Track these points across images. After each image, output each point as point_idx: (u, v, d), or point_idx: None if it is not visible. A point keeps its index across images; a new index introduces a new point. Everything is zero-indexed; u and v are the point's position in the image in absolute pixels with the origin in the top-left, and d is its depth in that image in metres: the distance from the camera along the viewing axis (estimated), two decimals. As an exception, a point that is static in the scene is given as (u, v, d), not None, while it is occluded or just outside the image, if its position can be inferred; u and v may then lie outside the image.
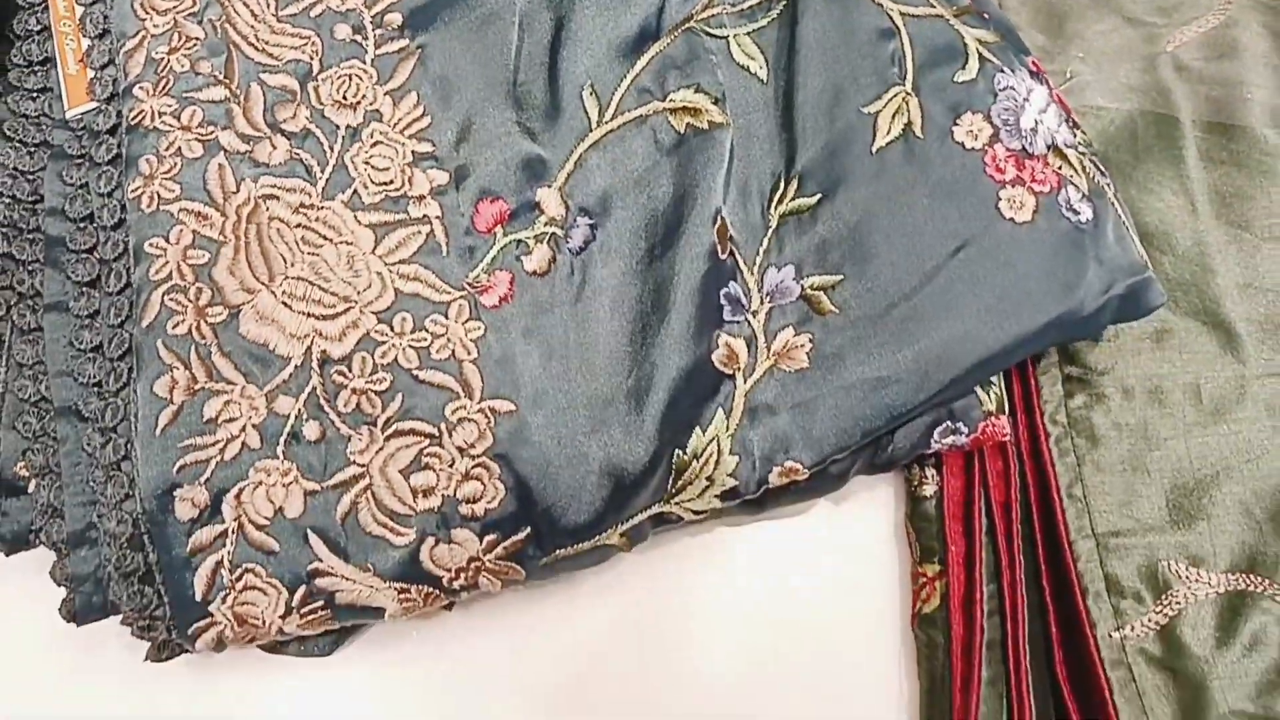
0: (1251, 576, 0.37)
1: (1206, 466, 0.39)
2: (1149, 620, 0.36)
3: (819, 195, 0.38)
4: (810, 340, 0.37)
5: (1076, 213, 0.36)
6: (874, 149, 0.37)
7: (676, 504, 0.36)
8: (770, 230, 0.38)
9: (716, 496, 0.36)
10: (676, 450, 0.36)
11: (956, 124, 0.37)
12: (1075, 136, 0.38)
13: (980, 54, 0.38)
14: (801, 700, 0.39)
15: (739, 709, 0.39)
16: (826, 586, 0.41)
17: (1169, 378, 0.40)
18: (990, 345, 0.35)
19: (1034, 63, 0.39)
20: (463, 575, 0.35)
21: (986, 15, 0.39)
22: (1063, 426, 0.39)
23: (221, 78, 0.38)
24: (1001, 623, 0.38)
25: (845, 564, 0.41)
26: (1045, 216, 0.36)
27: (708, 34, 0.39)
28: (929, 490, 0.41)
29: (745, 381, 0.37)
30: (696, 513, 0.37)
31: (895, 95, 0.37)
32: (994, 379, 0.38)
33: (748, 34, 0.40)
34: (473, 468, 0.35)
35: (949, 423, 0.37)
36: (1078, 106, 0.42)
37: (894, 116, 0.37)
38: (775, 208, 0.38)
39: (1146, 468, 0.38)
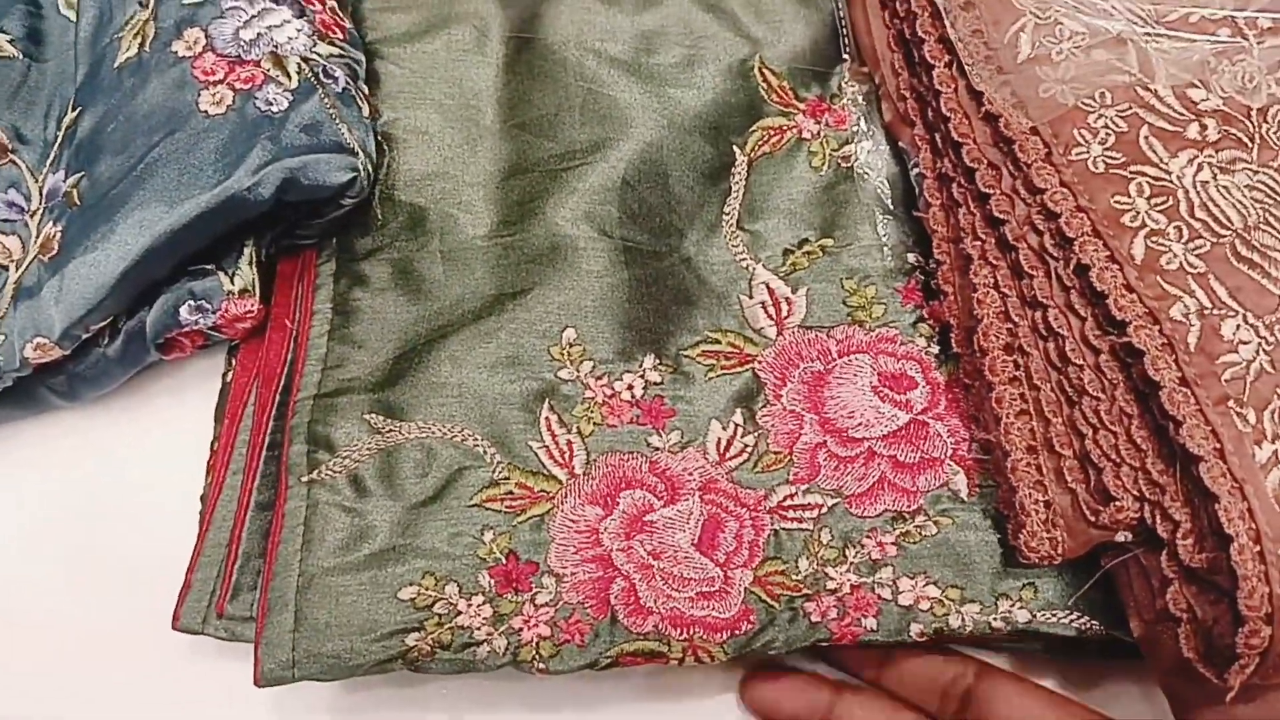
0: (445, 426, 0.40)
1: (433, 332, 0.42)
2: (336, 466, 0.39)
3: (80, 110, 0.43)
4: (62, 230, 0.42)
5: (271, 104, 0.40)
6: (115, 65, 0.42)
7: (-51, 385, 0.41)
8: (56, 144, 0.44)
9: (-15, 376, 0.41)
10: None
11: (178, 38, 0.42)
12: (314, 48, 0.43)
13: (221, -19, 0.43)
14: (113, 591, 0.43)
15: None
16: (155, 478, 0.45)
17: (415, 257, 0.43)
18: (170, 222, 0.39)
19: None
20: None
21: None
22: (329, 306, 0.43)
23: None
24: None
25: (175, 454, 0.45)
26: (237, 109, 0.40)
27: None
28: (230, 376, 0.45)
29: (16, 272, 0.42)
30: (-27, 387, 0.42)
31: (137, 20, 0.43)
32: (241, 264, 0.42)
33: (72, -11, 0.46)
34: None
35: (192, 302, 0.42)
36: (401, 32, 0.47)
37: (134, 37, 0.42)
38: (60, 125, 0.44)
39: (378, 335, 0.42)
